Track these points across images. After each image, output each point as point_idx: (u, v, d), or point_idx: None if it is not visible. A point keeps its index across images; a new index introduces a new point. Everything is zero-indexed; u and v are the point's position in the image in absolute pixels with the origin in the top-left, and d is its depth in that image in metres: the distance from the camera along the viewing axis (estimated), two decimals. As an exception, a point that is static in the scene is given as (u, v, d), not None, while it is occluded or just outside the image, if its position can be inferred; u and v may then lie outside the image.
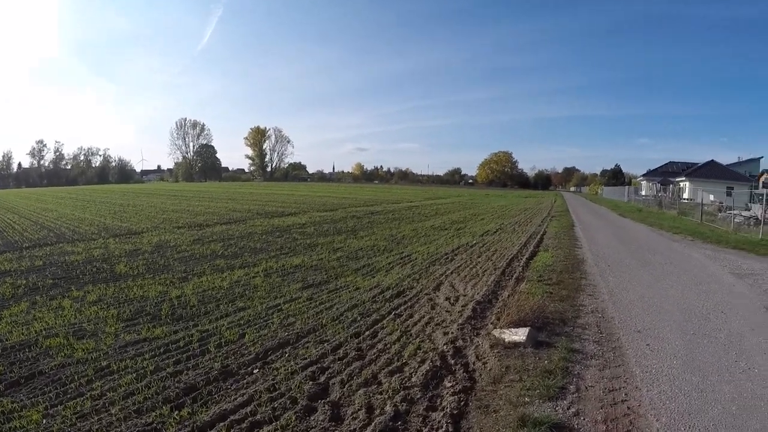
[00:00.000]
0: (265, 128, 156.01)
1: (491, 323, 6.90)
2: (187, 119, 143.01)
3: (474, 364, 5.51)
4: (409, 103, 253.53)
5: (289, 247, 13.96)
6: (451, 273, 10.55)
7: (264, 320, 6.88)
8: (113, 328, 6.48)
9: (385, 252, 13.50)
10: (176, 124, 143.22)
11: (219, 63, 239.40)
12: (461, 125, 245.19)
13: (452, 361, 5.50)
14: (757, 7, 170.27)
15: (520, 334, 6.00)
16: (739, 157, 66.58)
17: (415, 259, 12.40)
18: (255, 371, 5.14)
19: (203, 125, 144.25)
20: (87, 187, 74.13)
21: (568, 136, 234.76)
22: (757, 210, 25.99)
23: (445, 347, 5.90)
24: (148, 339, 6.09)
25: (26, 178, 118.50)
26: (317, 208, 30.50)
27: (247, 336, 6.18)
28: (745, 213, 26.57)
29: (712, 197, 35.85)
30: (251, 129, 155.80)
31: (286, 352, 5.66)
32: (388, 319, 7.11)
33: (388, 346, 5.98)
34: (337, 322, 6.86)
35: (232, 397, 4.54)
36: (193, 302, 7.75)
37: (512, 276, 10.22)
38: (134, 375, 4.94)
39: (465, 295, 8.56)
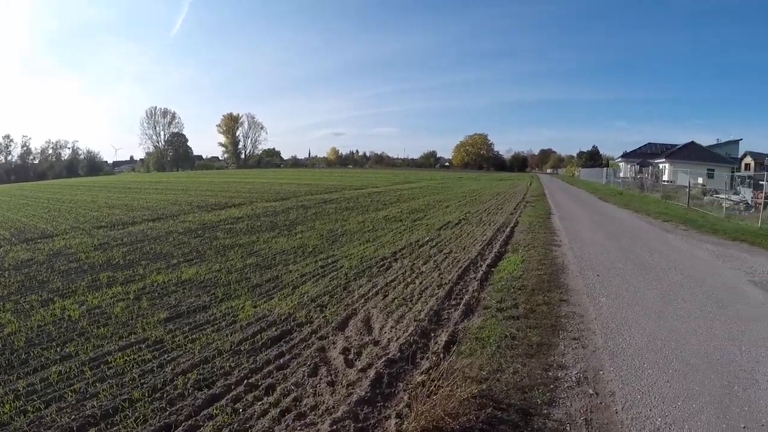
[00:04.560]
0: (238, 115, 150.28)
1: (395, 415, 3.82)
2: (158, 108, 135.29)
3: None
4: (385, 87, 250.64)
5: (199, 251, 11.36)
6: (377, 294, 7.50)
7: (67, 385, 4.63)
8: None
9: (310, 256, 10.63)
10: (146, 113, 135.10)
11: (192, 50, 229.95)
12: (438, 109, 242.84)
13: None
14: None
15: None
16: (717, 139, 65.05)
17: (341, 267, 9.46)
18: None
19: (174, 113, 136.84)
20: (47, 182, 69.01)
21: (544, 119, 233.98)
22: (747, 194, 23.94)
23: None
24: None
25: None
26: (268, 198, 27.41)
27: (20, 419, 4.02)
28: (735, 197, 24.53)
29: (700, 180, 33.48)
30: (224, 116, 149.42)
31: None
32: (230, 396, 4.32)
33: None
34: (156, 396, 4.36)
35: None
36: (19, 344, 5.65)
37: (461, 299, 7.07)
38: None
39: (377, 343, 5.50)
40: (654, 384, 4.55)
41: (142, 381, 4.62)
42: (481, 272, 8.68)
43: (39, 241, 13.33)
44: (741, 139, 64.67)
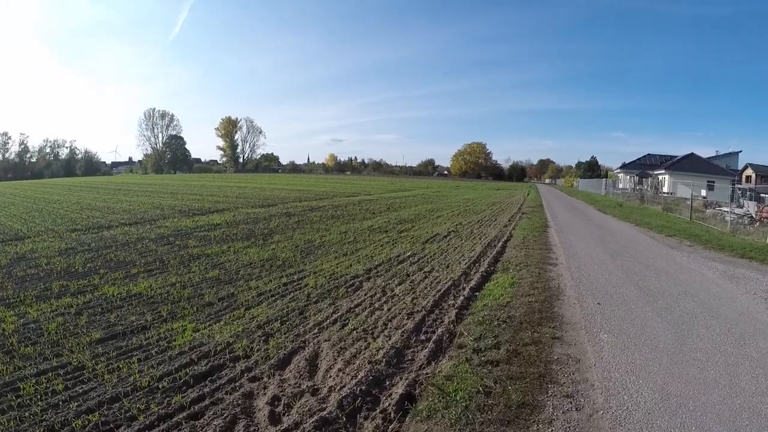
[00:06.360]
0: (237, 119, 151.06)
1: None
2: (156, 109, 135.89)
3: None
4: (385, 94, 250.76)
5: (162, 260, 10.47)
6: (335, 322, 6.36)
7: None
8: None
9: (277, 270, 9.59)
10: (144, 115, 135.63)
11: (192, 53, 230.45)
12: (437, 117, 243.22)
13: None
14: (727, 7, 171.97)
15: None
16: (717, 151, 64.53)
17: (306, 285, 8.37)
18: None
19: (172, 116, 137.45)
20: (42, 181, 68.21)
21: (542, 129, 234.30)
22: (751, 207, 22.92)
23: None
24: None
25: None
26: (254, 204, 26.35)
27: None
28: (738, 210, 23.46)
29: (703, 192, 32.38)
30: (222, 119, 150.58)
31: None
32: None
33: None
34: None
35: None
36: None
37: (432, 334, 5.88)
38: None
39: (316, 392, 4.40)
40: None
41: (42, 418, 3.97)
42: (461, 298, 7.43)
43: (9, 243, 12.77)
44: (740, 151, 64.30)
